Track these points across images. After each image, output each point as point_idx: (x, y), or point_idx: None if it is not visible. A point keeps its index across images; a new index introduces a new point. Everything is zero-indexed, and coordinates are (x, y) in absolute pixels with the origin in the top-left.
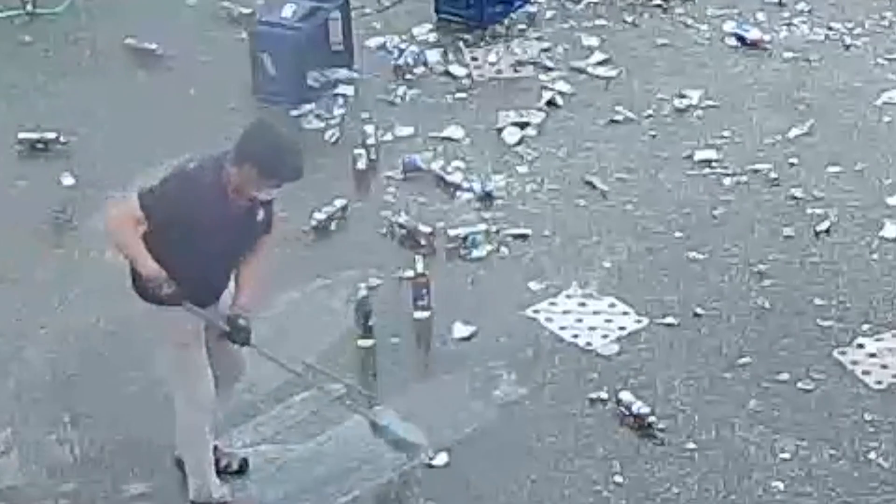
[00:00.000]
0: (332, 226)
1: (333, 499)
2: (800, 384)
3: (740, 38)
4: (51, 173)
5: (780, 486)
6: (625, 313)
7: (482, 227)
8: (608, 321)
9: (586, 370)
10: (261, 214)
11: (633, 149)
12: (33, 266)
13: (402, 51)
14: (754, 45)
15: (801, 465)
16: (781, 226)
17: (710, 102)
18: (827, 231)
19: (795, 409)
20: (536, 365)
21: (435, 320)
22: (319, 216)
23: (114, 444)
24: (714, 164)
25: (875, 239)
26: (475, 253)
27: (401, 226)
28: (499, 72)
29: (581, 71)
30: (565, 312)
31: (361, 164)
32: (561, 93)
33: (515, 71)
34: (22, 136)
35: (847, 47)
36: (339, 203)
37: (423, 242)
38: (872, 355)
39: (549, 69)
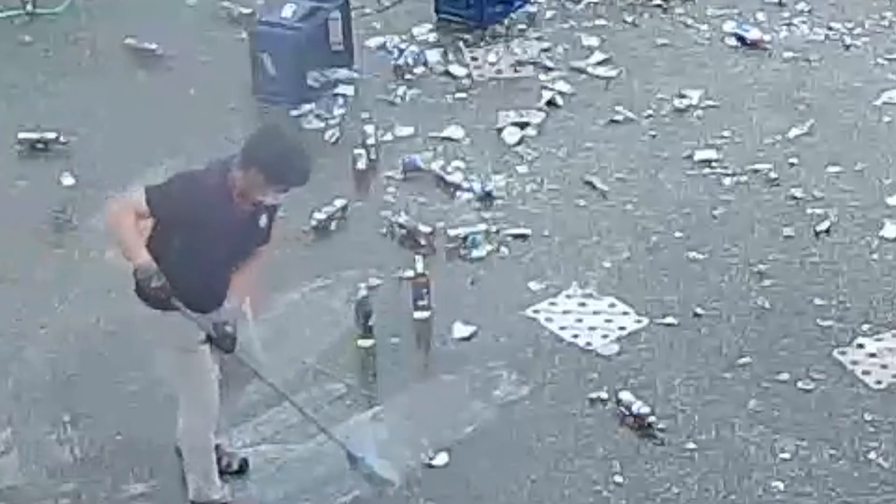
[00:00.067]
0: (332, 226)
1: (333, 499)
2: (800, 384)
3: (740, 38)
4: (51, 173)
5: (780, 486)
6: (625, 313)
7: (482, 227)
8: (608, 321)
9: (586, 370)
10: (263, 220)
11: (633, 149)
12: (33, 266)
13: (402, 51)
14: (754, 45)
15: (801, 465)
16: (781, 226)
17: (710, 102)
18: (827, 231)
19: (795, 409)
20: (536, 365)
21: (435, 320)
22: (319, 216)
23: (114, 444)
24: (714, 164)
25: (875, 239)
26: (475, 253)
27: (401, 226)
28: (499, 72)
29: (581, 71)
30: (565, 312)
31: (361, 164)
32: (561, 93)
33: (515, 71)
34: (22, 136)
35: (847, 47)
36: (339, 203)
37: (423, 242)
38: (872, 355)
39: (549, 69)
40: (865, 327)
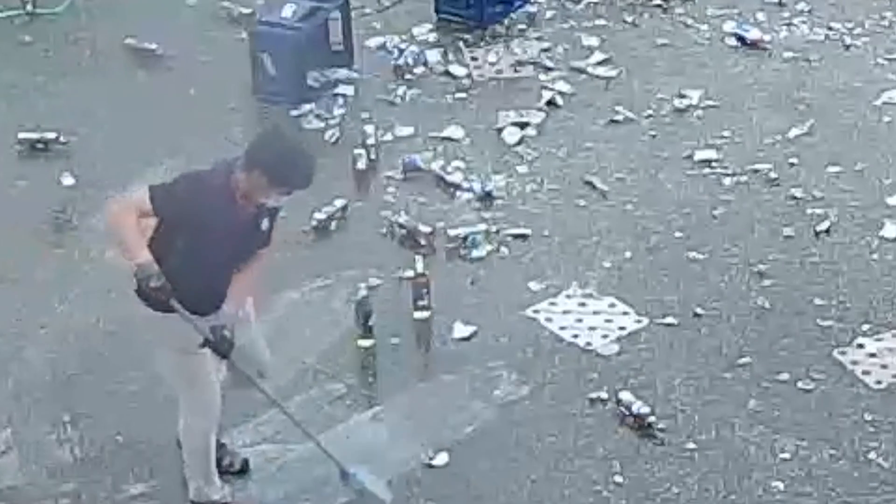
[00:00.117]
0: (332, 226)
1: (333, 499)
2: (800, 384)
3: (740, 38)
4: (51, 173)
5: (780, 486)
6: (625, 313)
7: (482, 227)
8: (608, 321)
9: (586, 370)
10: (265, 223)
11: (633, 149)
12: (33, 266)
13: (402, 51)
14: (754, 45)
15: (801, 465)
16: (781, 226)
17: (710, 102)
18: (827, 231)
19: (795, 409)
20: (536, 365)
21: (435, 320)
22: (319, 216)
23: (114, 444)
24: (714, 164)
25: (875, 239)
26: (475, 253)
27: (401, 226)
28: (499, 72)
29: (581, 71)
30: (565, 312)
31: (361, 164)
32: (561, 93)
33: (515, 71)
34: (22, 136)
35: (847, 47)
36: (339, 203)
37: (423, 242)
38: (872, 355)
39: (549, 69)
40: (865, 327)
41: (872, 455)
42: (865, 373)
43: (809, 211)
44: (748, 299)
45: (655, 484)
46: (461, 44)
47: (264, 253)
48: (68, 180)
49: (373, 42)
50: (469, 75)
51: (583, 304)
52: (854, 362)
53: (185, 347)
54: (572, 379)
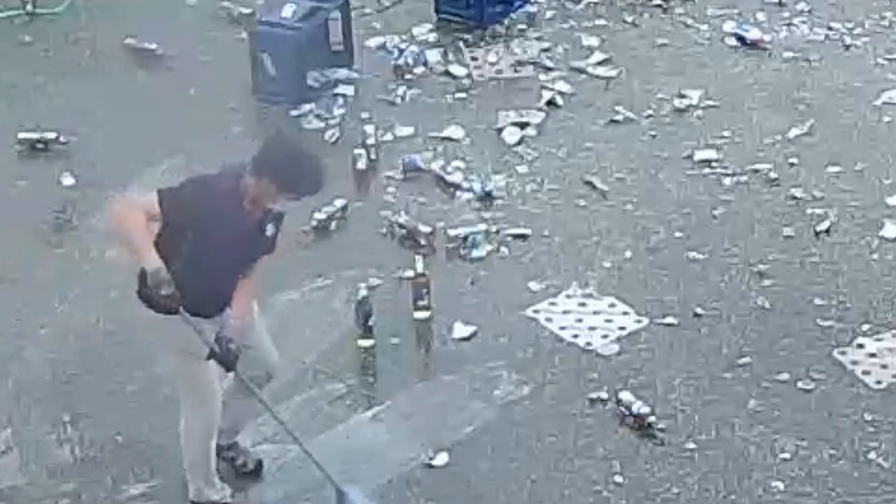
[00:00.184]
0: (332, 226)
1: (333, 499)
2: (800, 384)
3: (740, 38)
4: (51, 173)
5: (780, 486)
6: (625, 313)
7: (482, 227)
8: (608, 321)
9: (586, 370)
10: (270, 230)
11: (633, 149)
12: (33, 266)
13: (402, 51)
14: (754, 45)
15: (801, 465)
16: (781, 226)
17: (710, 102)
18: (827, 231)
19: (795, 409)
20: (536, 365)
21: (435, 320)
22: (319, 216)
23: (114, 444)
24: (714, 164)
25: (875, 239)
26: (475, 253)
27: (401, 226)
28: (499, 72)
29: (581, 71)
30: (565, 312)
31: (361, 164)
32: (561, 93)
33: (515, 71)
34: (22, 136)
35: (847, 47)
36: (339, 203)
37: (423, 242)
38: (872, 355)
39: (549, 69)
40: (865, 327)
41: (872, 455)
42: (865, 373)
43: (809, 211)
44: (748, 299)
45: (655, 484)
46: (461, 44)
47: (267, 259)
48: (68, 180)
49: (373, 42)
50: (469, 75)
51: (583, 304)
52: (854, 362)
53: (187, 349)
54: (572, 379)
